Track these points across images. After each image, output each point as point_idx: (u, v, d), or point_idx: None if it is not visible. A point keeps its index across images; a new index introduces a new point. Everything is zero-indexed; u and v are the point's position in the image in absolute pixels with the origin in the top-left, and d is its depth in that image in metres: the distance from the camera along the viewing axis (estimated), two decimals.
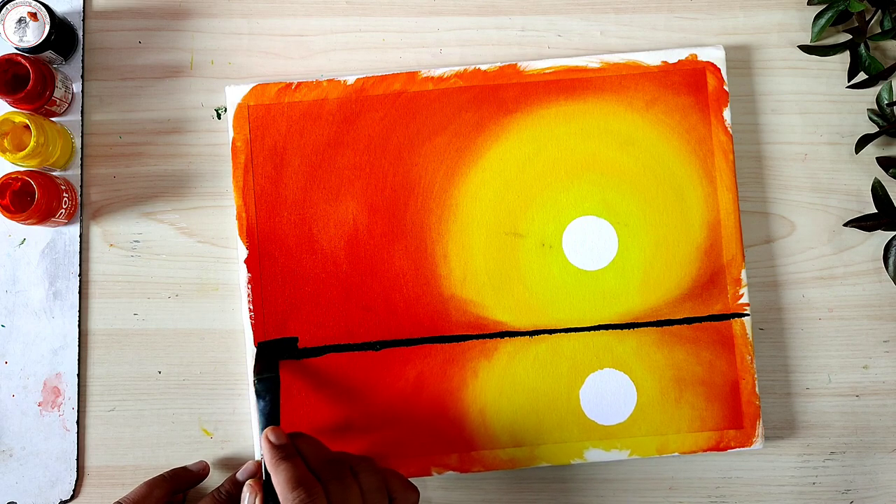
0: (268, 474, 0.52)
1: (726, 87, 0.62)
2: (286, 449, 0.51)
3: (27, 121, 0.57)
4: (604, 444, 0.60)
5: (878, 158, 0.63)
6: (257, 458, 0.60)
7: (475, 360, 0.61)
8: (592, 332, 0.61)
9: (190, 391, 0.62)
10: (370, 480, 0.51)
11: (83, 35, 0.63)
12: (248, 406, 0.62)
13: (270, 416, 0.54)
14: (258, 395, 0.55)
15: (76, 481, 0.61)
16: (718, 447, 0.61)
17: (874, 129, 0.63)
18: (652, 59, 0.62)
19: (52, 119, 0.62)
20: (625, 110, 0.62)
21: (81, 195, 0.63)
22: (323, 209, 0.61)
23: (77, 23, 0.63)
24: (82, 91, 0.63)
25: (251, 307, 0.61)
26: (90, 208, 0.63)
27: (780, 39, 0.64)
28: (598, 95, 0.62)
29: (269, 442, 0.52)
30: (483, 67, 0.62)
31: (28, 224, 0.59)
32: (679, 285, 0.61)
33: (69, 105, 0.63)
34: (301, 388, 0.60)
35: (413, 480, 0.61)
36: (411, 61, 0.64)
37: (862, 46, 0.62)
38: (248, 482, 0.54)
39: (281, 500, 0.49)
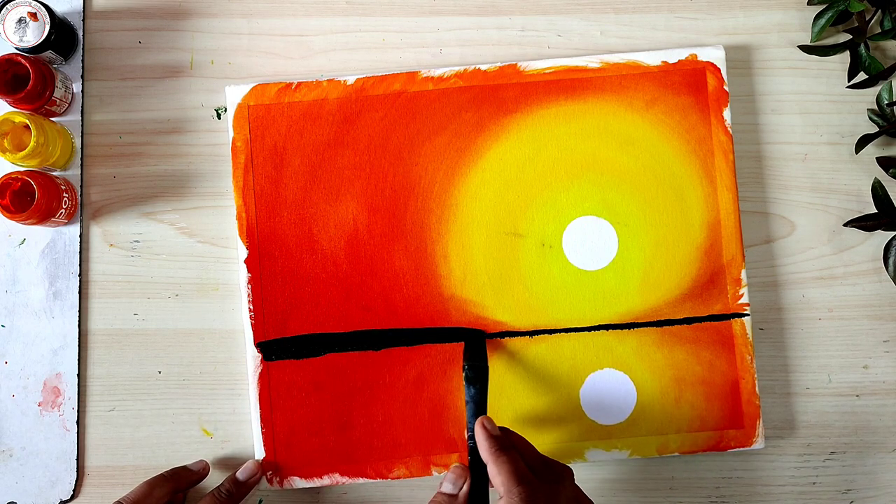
0: (476, 463, 0.51)
1: (726, 87, 0.62)
2: (504, 441, 0.51)
3: (27, 121, 0.57)
4: (604, 444, 0.60)
5: (878, 158, 0.63)
6: (257, 456, 0.60)
7: None
8: (592, 332, 0.61)
9: (190, 391, 0.62)
10: (570, 489, 0.51)
11: (83, 35, 0.63)
12: (248, 406, 0.62)
13: (480, 405, 0.55)
14: (468, 381, 0.55)
15: (76, 481, 0.61)
16: (718, 447, 0.61)
17: (874, 129, 0.63)
18: (652, 59, 0.62)
19: (52, 119, 0.62)
20: (625, 110, 0.62)
21: (81, 195, 0.63)
22: (323, 209, 0.61)
23: (77, 23, 0.63)
24: (82, 91, 0.63)
25: (251, 307, 0.61)
26: (90, 208, 0.63)
27: (780, 39, 0.64)
28: (598, 95, 0.62)
29: (487, 430, 0.51)
30: (483, 67, 0.62)
31: (28, 224, 0.59)
32: (679, 285, 0.61)
33: (69, 105, 0.63)
34: (301, 388, 0.60)
35: (413, 481, 0.61)
36: (411, 61, 0.64)
37: (862, 46, 0.62)
38: (455, 465, 0.54)
39: (503, 492, 0.48)
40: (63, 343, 0.62)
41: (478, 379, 0.56)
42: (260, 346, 0.60)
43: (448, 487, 0.53)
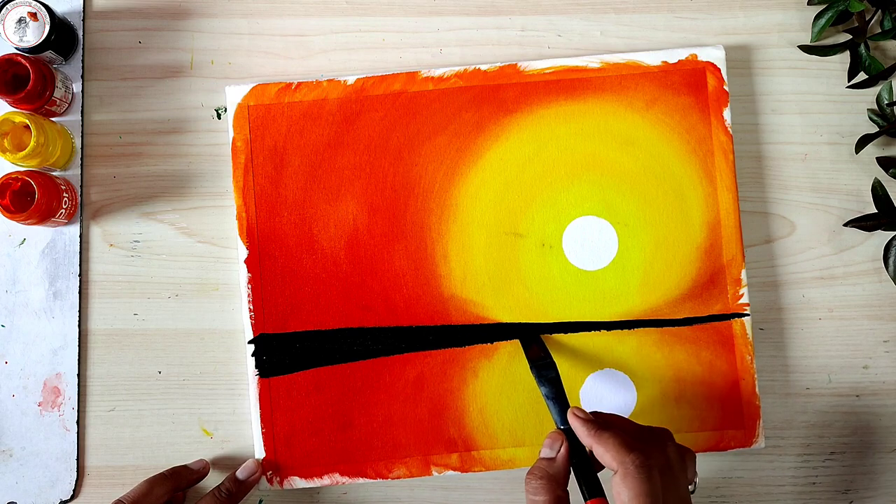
0: (578, 454, 0.51)
1: (726, 87, 0.62)
2: (600, 422, 0.51)
3: (27, 121, 0.57)
4: None
5: (878, 158, 0.63)
6: (257, 456, 0.60)
7: (475, 359, 0.61)
8: (592, 331, 0.61)
9: (190, 391, 0.62)
10: (674, 448, 0.51)
11: (83, 35, 0.63)
12: (248, 406, 0.62)
13: (559, 399, 0.54)
14: (539, 381, 0.55)
15: (76, 481, 0.61)
16: (718, 447, 0.61)
17: (874, 129, 0.63)
18: (652, 59, 0.62)
19: (52, 119, 0.62)
20: (625, 110, 0.62)
21: (81, 195, 0.63)
22: (323, 209, 0.61)
23: (77, 23, 0.63)
24: (82, 91, 0.63)
25: (251, 307, 0.61)
26: (90, 208, 0.63)
27: (780, 39, 0.64)
28: (598, 95, 0.62)
29: (580, 417, 0.52)
30: (483, 67, 0.62)
31: (28, 224, 0.59)
32: (679, 285, 0.61)
33: (69, 105, 0.63)
34: (301, 388, 0.60)
35: (413, 481, 0.61)
36: (411, 61, 0.64)
37: (862, 46, 0.62)
38: (550, 432, 0.53)
39: (616, 464, 0.48)
40: (63, 343, 0.62)
41: (545, 375, 0.55)
42: (258, 342, 0.60)
43: (546, 452, 0.52)
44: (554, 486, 0.50)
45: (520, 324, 0.61)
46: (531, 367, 0.57)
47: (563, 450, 0.52)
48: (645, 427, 0.53)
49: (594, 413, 0.53)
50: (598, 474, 0.51)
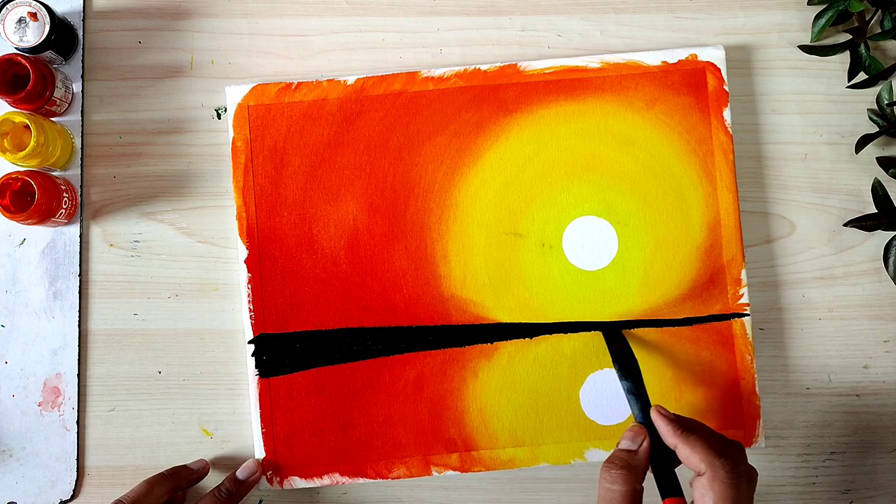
0: (658, 452, 0.51)
1: (726, 87, 0.62)
2: (686, 422, 0.51)
3: (27, 121, 0.57)
4: (604, 444, 0.60)
5: (878, 158, 0.63)
6: (257, 456, 0.60)
7: (475, 360, 0.61)
8: (592, 332, 0.61)
9: (190, 391, 0.62)
10: (748, 464, 0.51)
11: (83, 35, 0.63)
12: (248, 406, 0.62)
13: (640, 394, 0.54)
14: (620, 376, 0.55)
15: (76, 481, 0.61)
16: None
17: (874, 129, 0.63)
18: (652, 59, 0.62)
19: (52, 119, 0.62)
20: (625, 110, 0.62)
21: (81, 195, 0.63)
22: (323, 209, 0.61)
23: (77, 23, 0.63)
24: (82, 91, 0.63)
25: (251, 307, 0.61)
26: (90, 208, 0.63)
27: (780, 39, 0.64)
28: (598, 95, 0.62)
29: (665, 416, 0.52)
30: (483, 67, 0.62)
31: (28, 224, 0.59)
32: (679, 285, 0.61)
33: (69, 105, 0.63)
34: (301, 388, 0.60)
35: (413, 481, 0.61)
36: (411, 61, 0.64)
37: (862, 46, 0.62)
38: (632, 424, 0.53)
39: (704, 466, 0.48)
40: (63, 343, 0.62)
41: (628, 370, 0.56)
42: (258, 342, 0.60)
43: (627, 444, 0.52)
44: (632, 479, 0.50)
45: (523, 323, 0.61)
46: (614, 361, 0.57)
47: (645, 444, 0.52)
48: (723, 436, 0.52)
49: (675, 414, 0.53)
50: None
